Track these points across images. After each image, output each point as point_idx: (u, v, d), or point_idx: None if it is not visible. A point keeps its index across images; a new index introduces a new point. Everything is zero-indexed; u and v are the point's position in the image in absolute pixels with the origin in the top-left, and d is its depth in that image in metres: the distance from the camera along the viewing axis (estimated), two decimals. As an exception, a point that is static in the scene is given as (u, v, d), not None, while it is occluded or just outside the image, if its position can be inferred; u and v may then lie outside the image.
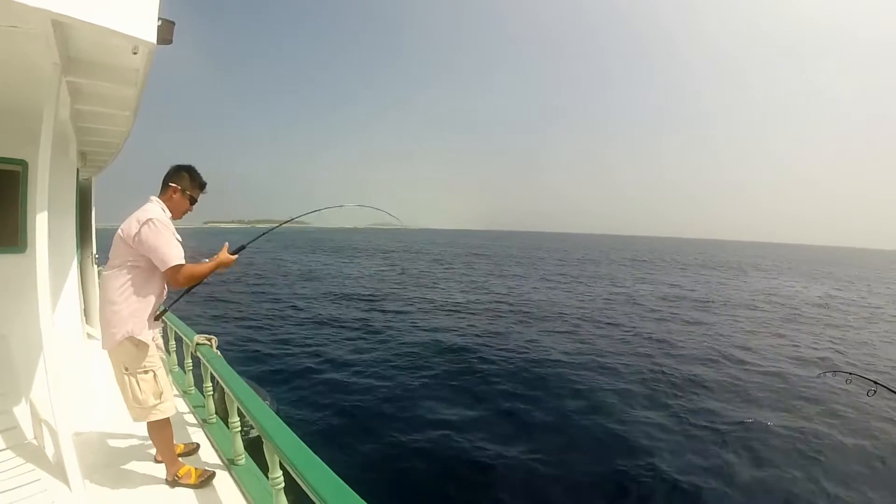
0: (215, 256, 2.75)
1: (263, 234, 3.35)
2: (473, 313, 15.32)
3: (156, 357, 2.68)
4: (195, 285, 2.74)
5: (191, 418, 3.64)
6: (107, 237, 3.63)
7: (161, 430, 2.69)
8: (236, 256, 2.86)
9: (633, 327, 13.92)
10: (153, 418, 2.62)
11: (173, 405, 2.71)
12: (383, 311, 15.27)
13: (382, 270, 29.84)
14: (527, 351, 10.59)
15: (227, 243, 2.85)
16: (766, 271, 41.40)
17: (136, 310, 2.56)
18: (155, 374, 2.64)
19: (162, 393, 2.65)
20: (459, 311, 15.55)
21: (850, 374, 3.95)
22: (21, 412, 3.00)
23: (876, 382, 3.40)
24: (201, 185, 2.90)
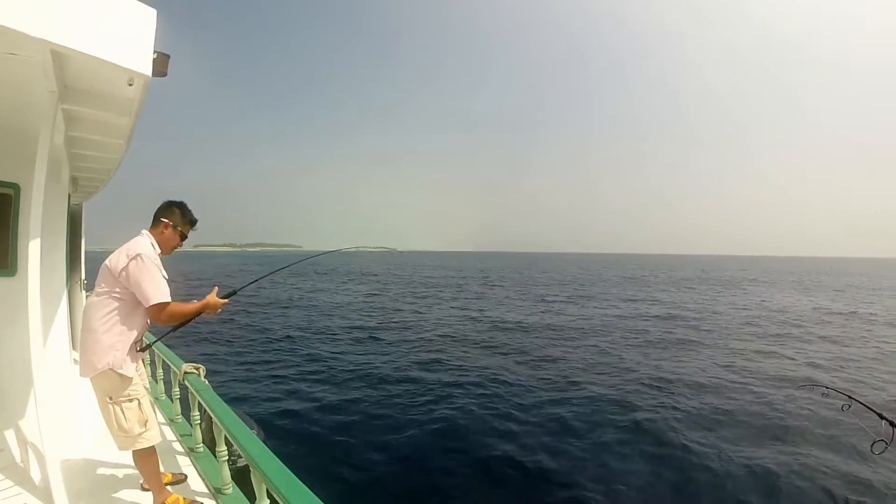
0: (204, 299, 2.76)
1: (255, 280, 3.42)
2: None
3: (139, 385, 2.67)
4: (181, 324, 2.74)
5: (178, 447, 3.60)
6: (94, 260, 3.66)
7: (147, 458, 2.67)
8: (225, 301, 2.84)
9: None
10: (139, 447, 2.60)
11: (158, 433, 2.69)
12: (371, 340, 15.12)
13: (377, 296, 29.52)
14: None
15: (216, 287, 2.84)
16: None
17: (117, 341, 2.56)
18: (139, 402, 2.63)
19: (147, 421, 2.63)
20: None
21: (826, 388, 4.01)
22: (8, 436, 2.99)
23: (850, 397, 3.46)
24: (192, 222, 2.93)
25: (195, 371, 3.43)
